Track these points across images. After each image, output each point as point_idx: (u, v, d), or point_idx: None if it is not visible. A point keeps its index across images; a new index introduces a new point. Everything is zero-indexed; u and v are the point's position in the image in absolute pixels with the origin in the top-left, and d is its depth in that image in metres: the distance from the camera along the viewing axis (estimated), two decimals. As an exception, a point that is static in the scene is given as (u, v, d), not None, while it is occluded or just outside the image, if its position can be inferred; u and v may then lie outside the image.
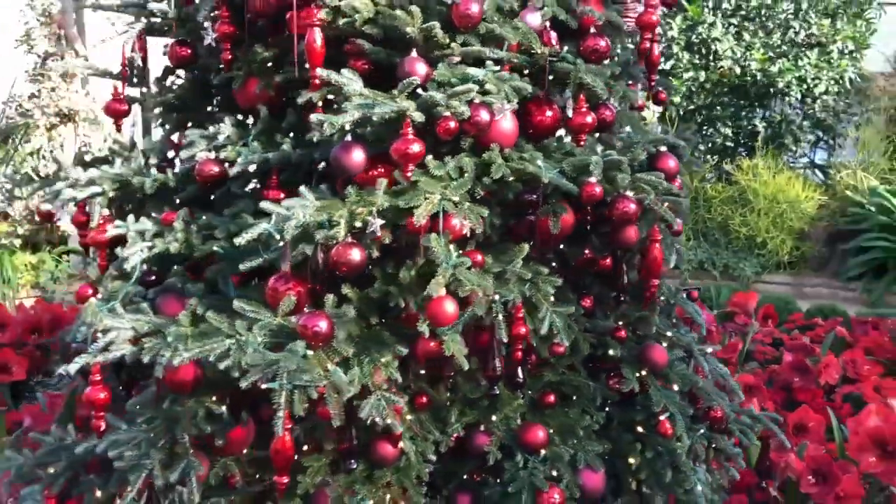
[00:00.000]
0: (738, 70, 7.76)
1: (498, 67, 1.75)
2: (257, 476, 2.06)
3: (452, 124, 1.67)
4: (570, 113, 1.89)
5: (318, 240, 1.60)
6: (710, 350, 2.27)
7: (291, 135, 2.00)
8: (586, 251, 2.13)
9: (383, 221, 1.66)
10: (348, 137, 1.72)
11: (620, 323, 2.22)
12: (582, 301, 2.15)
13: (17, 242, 6.24)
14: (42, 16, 6.17)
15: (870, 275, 7.22)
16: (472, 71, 1.71)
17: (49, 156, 6.06)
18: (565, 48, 1.94)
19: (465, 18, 1.82)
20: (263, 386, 1.48)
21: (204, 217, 1.95)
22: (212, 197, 2.09)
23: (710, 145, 8.17)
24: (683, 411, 2.08)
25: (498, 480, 2.02)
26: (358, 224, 1.66)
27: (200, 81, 2.21)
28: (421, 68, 1.81)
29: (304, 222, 1.60)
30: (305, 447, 2.00)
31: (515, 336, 1.86)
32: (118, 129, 2.12)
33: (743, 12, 7.97)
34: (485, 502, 2.00)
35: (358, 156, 1.70)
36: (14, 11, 6.23)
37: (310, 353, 1.56)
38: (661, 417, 2.08)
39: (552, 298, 1.88)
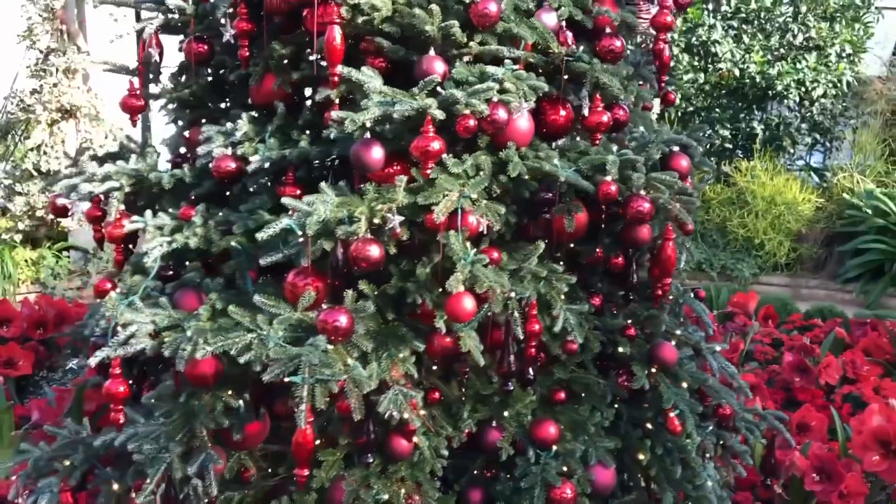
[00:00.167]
0: (737, 72, 7.80)
1: (516, 66, 1.76)
2: (269, 470, 2.08)
3: (472, 122, 1.68)
4: (585, 112, 1.90)
5: (340, 236, 1.61)
6: (718, 348, 2.29)
7: (307, 132, 2.01)
8: (597, 250, 2.15)
9: (403, 218, 1.68)
10: (367, 135, 1.74)
11: (629, 321, 2.24)
12: (591, 299, 2.17)
13: (18, 238, 6.23)
14: (44, 11, 6.16)
15: (866, 277, 7.27)
16: (491, 69, 1.73)
17: (51, 151, 6.04)
18: (580, 48, 1.96)
19: (484, 17, 1.84)
20: (286, 380, 1.49)
21: (220, 213, 1.96)
22: (227, 193, 2.10)
23: (708, 147, 8.21)
24: (693, 408, 2.10)
25: (509, 476, 2.04)
26: (376, 221, 1.68)
27: (215, 78, 2.22)
28: (439, 66, 1.82)
29: (325, 218, 1.62)
30: (318, 441, 2.02)
31: (529, 333, 1.88)
32: (133, 125, 2.12)
33: (742, 15, 8.01)
34: (496, 497, 2.02)
35: (377, 153, 1.72)
36: (16, 6, 6.22)
37: (330, 347, 1.58)
38: (671, 414, 2.10)
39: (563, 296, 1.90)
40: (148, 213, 1.90)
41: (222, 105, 2.27)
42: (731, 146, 8.27)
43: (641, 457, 2.13)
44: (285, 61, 2.06)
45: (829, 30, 8.01)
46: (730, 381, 2.33)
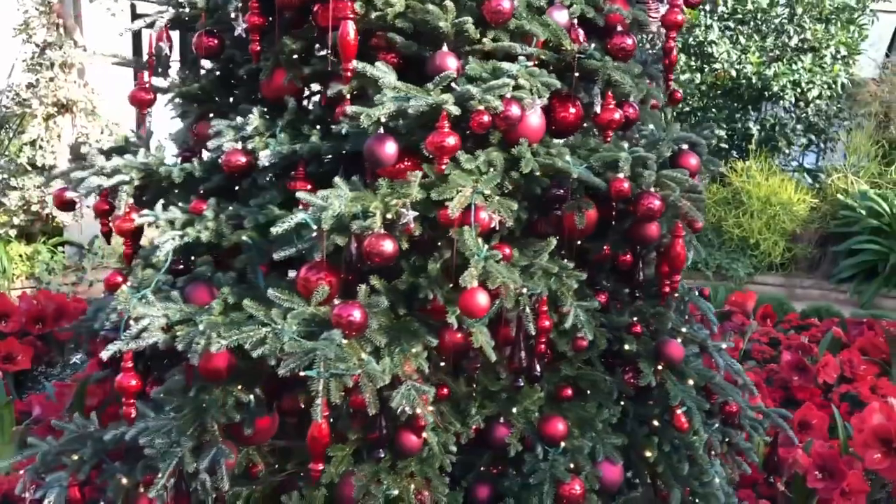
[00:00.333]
0: (733, 73, 7.83)
1: (531, 63, 1.77)
2: (276, 465, 2.08)
3: (486, 118, 1.68)
4: (597, 109, 1.91)
5: (355, 230, 1.61)
6: (724, 346, 2.30)
7: (317, 127, 2.01)
8: (605, 247, 2.16)
9: (417, 213, 1.68)
10: (380, 130, 1.73)
11: (635, 318, 2.25)
12: (596, 296, 2.18)
13: (12, 233, 6.19)
14: (41, 5, 6.12)
15: (860, 277, 7.33)
16: (506, 65, 1.73)
17: (46, 146, 6.00)
18: (592, 46, 1.96)
19: (497, 14, 1.84)
20: (302, 374, 1.49)
21: (230, 207, 1.96)
22: (236, 187, 2.09)
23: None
24: (700, 406, 2.11)
25: (514, 472, 2.04)
26: (390, 216, 1.68)
27: (224, 72, 2.21)
28: (452, 62, 1.83)
29: (340, 213, 1.62)
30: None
31: (540, 329, 1.89)
32: (142, 119, 2.11)
33: (739, 16, 8.04)
34: (505, 493, 2.02)
35: (391, 148, 1.72)
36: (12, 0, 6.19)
37: (344, 342, 1.58)
38: (678, 412, 2.10)
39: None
40: (158, 206, 1.89)
41: (230, 99, 2.27)
42: (726, 146, 8.31)
43: (648, 454, 2.13)
44: (295, 56, 2.06)
45: (824, 31, 8.06)
46: (735, 378, 2.34)
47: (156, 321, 1.63)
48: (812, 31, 8.02)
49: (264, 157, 1.89)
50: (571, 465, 1.98)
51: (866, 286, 7.22)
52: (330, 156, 1.96)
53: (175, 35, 2.24)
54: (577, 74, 1.97)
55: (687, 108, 8.21)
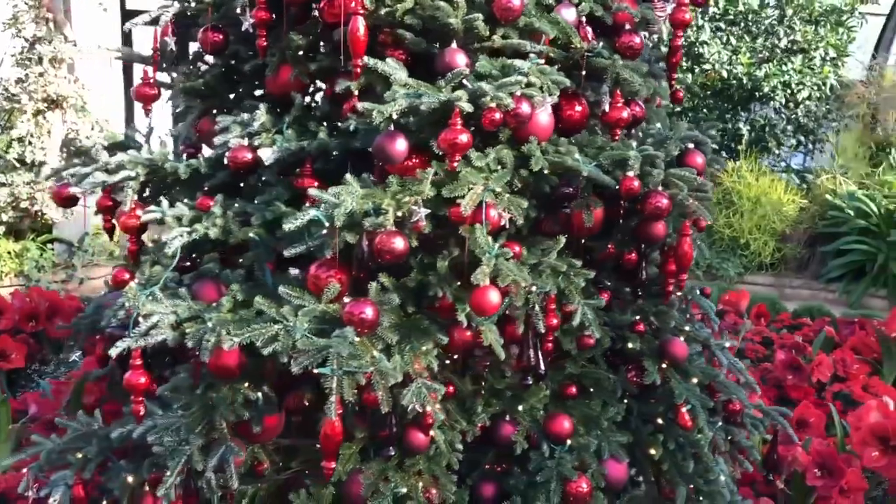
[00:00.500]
0: (724, 74, 7.88)
1: (542, 60, 1.77)
2: (280, 463, 2.07)
3: (498, 116, 1.68)
4: (606, 108, 1.91)
5: (367, 227, 1.61)
6: (727, 345, 2.31)
7: (325, 123, 2.00)
8: (609, 245, 2.16)
9: (429, 211, 1.67)
10: (390, 127, 1.73)
11: (637, 317, 2.26)
12: (599, 294, 2.18)
13: (1, 230, 6.12)
14: (30, -1, 6.07)
15: (849, 277, 7.39)
16: (518, 63, 1.73)
17: (36, 142, 5.94)
18: (600, 44, 1.96)
19: (507, 11, 1.84)
20: (316, 371, 1.48)
21: (237, 204, 1.95)
22: (241, 184, 2.08)
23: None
24: (704, 404, 2.12)
25: (520, 470, 2.04)
26: (401, 213, 1.67)
27: (227, 68, 2.19)
28: (461, 59, 1.82)
29: (351, 210, 1.61)
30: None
31: (547, 327, 1.89)
32: (147, 114, 2.10)
33: (730, 17, 8.09)
34: (511, 491, 2.02)
35: (401, 145, 1.71)
36: (1, -7, 6.13)
37: (356, 339, 1.57)
38: (682, 410, 2.11)
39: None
40: (164, 203, 1.88)
41: (233, 95, 2.25)
42: (717, 146, 8.35)
43: (653, 452, 2.14)
44: (300, 52, 2.05)
45: (813, 33, 8.12)
46: (737, 377, 2.35)
47: (165, 318, 1.61)
48: (802, 33, 8.08)
49: (272, 154, 1.88)
50: (577, 463, 1.98)
51: (855, 286, 7.29)
52: (336, 152, 1.95)
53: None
54: (583, 73, 1.98)
55: (678, 109, 8.24)
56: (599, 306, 1.96)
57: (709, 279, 7.34)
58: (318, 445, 2.04)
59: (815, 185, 8.08)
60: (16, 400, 3.27)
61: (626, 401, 2.23)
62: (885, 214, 7.36)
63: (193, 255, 1.99)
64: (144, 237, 2.09)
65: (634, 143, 1.90)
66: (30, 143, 6.03)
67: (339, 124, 1.98)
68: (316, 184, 1.94)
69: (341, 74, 1.98)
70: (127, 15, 7.34)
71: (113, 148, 2.24)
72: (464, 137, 1.64)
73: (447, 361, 2.01)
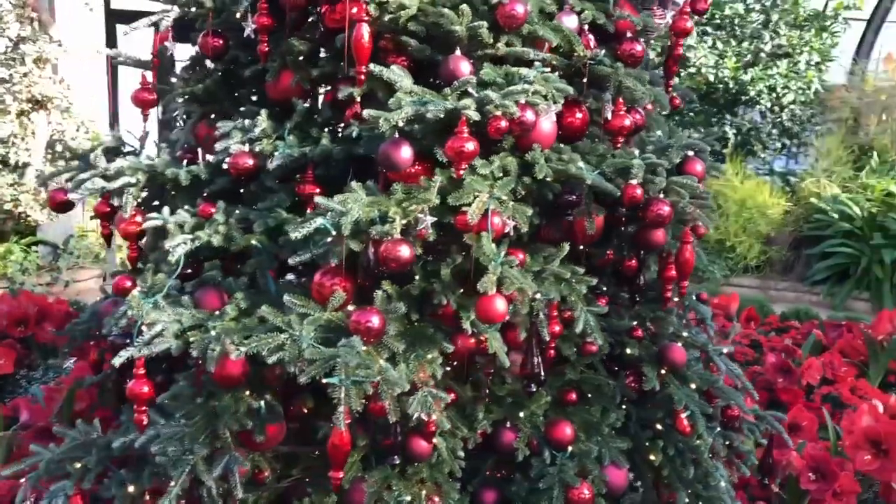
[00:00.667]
0: (711, 77, 7.94)
1: (548, 69, 1.77)
2: (279, 471, 2.05)
3: (504, 124, 1.68)
4: (608, 115, 1.92)
5: (374, 235, 1.60)
6: (725, 350, 2.32)
7: (327, 129, 1.99)
8: (608, 252, 2.17)
9: (435, 219, 1.67)
10: (395, 134, 1.72)
11: (635, 323, 2.27)
12: (597, 300, 2.19)
13: (-16, 232, 6.06)
14: (15, -2, 5.99)
15: (833, 279, 7.47)
16: (524, 71, 1.73)
17: (20, 143, 5.87)
18: (602, 52, 1.97)
19: (511, 19, 1.84)
20: (324, 381, 1.47)
21: (238, 210, 1.93)
22: (241, 190, 2.07)
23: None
24: (703, 410, 2.13)
25: (521, 476, 2.04)
26: (405, 221, 1.67)
27: (226, 73, 2.18)
28: (465, 67, 1.82)
29: (357, 218, 1.60)
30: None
31: (550, 334, 1.89)
32: (145, 120, 2.08)
33: (717, 21, 8.16)
34: (512, 498, 2.02)
35: (406, 152, 1.70)
36: (-16, -7, 6.04)
37: (363, 348, 1.56)
38: (682, 416, 2.12)
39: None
40: (166, 209, 1.86)
41: (232, 101, 2.24)
42: (703, 150, 8.40)
43: (653, 457, 2.15)
44: (300, 58, 2.04)
45: (798, 38, 8.21)
46: (735, 382, 2.36)
47: (170, 327, 1.60)
48: (787, 38, 8.16)
49: (275, 160, 1.87)
50: (579, 470, 1.99)
51: (839, 288, 7.37)
52: (339, 159, 1.94)
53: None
54: (585, 80, 1.98)
55: (665, 112, 8.29)
56: (601, 313, 1.96)
57: (695, 282, 7.37)
58: (317, 453, 2.06)
59: (800, 189, 8.16)
60: (5, 406, 3.22)
61: (624, 406, 2.24)
62: (868, 218, 7.45)
63: (209, 262, 1.97)
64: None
65: (637, 151, 1.91)
66: (13, 144, 5.95)
67: (341, 130, 1.98)
68: (318, 190, 1.93)
69: (342, 80, 1.97)
70: (112, 15, 7.28)
71: (107, 153, 2.22)
72: (470, 146, 1.64)
73: (447, 368, 2.01)
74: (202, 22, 2.16)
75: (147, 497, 1.83)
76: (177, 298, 1.73)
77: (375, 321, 1.60)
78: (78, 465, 1.82)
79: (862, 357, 4.42)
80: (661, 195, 1.92)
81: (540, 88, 1.73)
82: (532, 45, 1.93)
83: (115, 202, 2.05)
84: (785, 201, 7.95)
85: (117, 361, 1.58)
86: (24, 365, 3.63)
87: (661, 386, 2.15)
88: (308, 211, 1.93)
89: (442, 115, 1.67)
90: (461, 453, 1.95)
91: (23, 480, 1.83)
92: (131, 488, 1.78)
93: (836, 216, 7.60)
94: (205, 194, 2.05)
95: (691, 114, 8.38)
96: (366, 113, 1.69)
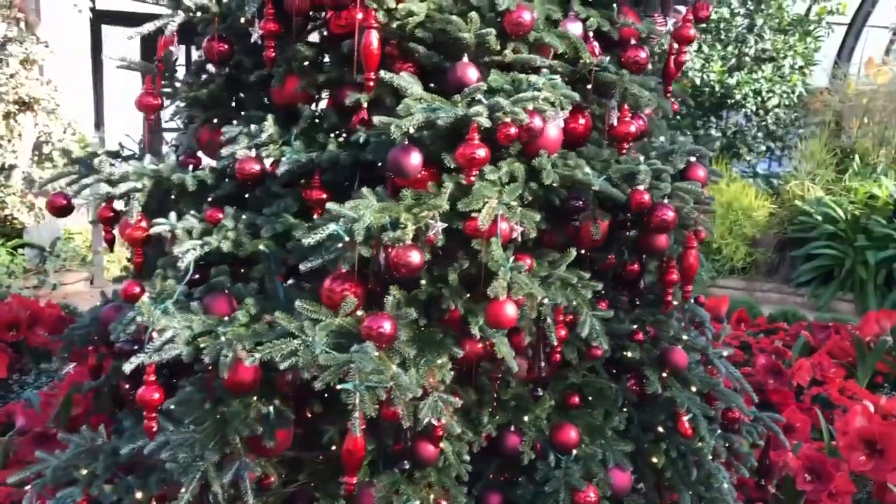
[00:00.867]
0: (697, 81, 8.01)
1: (557, 76, 1.79)
2: (284, 476, 2.05)
3: (513, 130, 1.69)
4: (614, 122, 1.94)
5: (386, 241, 1.61)
6: (725, 353, 2.35)
7: (332, 135, 2.00)
8: (610, 256, 2.19)
9: (445, 225, 1.68)
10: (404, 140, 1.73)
11: (635, 326, 2.29)
12: (598, 304, 2.21)
13: (-31, 235, 5.99)
14: (0, -1, 5.93)
15: (817, 281, 7.56)
16: (533, 78, 1.74)
17: (7, 145, 5.80)
18: (606, 58, 1.99)
19: (518, 26, 1.85)
20: (339, 387, 1.48)
21: (244, 216, 1.93)
22: (246, 195, 2.06)
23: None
24: (705, 412, 2.16)
25: (526, 480, 2.06)
26: (414, 227, 1.68)
27: (230, 78, 2.18)
28: (473, 73, 1.83)
29: (369, 224, 1.61)
30: (333, 447, 2.01)
31: (557, 339, 1.91)
32: (149, 124, 2.07)
33: (702, 24, 8.23)
34: (517, 501, 2.03)
35: (416, 158, 1.71)
36: (-30, -7, 5.97)
37: (375, 353, 1.57)
38: (683, 418, 2.14)
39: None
40: (172, 215, 1.86)
41: (237, 105, 2.23)
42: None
43: (655, 460, 2.17)
44: (305, 63, 2.05)
45: (783, 42, 8.30)
46: (734, 384, 2.39)
47: (181, 333, 1.59)
48: (772, 42, 8.26)
49: (281, 166, 1.87)
50: (584, 473, 2.00)
51: (823, 289, 7.46)
52: (347, 165, 1.94)
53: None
54: (589, 87, 2.00)
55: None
56: (607, 317, 1.98)
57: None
58: (321, 458, 2.07)
59: (784, 191, 8.25)
60: (-2, 411, 3.19)
61: (625, 409, 2.26)
62: (852, 220, 7.55)
63: (216, 267, 1.97)
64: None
65: (642, 157, 1.93)
66: (0, 146, 5.89)
67: (347, 136, 1.98)
68: (325, 196, 1.94)
69: (349, 86, 1.98)
70: (98, 16, 7.23)
71: (108, 157, 2.20)
72: (481, 152, 1.65)
73: (452, 372, 2.02)
74: (205, 26, 2.16)
75: (154, 503, 1.82)
76: (185, 304, 1.73)
77: (387, 326, 1.60)
78: (84, 472, 1.80)
79: (850, 358, 4.47)
80: (665, 200, 1.95)
81: (548, 95, 1.75)
82: (537, 51, 1.95)
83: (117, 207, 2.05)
84: (770, 204, 8.03)
85: (128, 368, 1.58)
86: (16, 369, 3.59)
87: (663, 389, 2.17)
88: (315, 216, 1.94)
89: (451, 122, 1.68)
90: (467, 457, 1.96)
91: (27, 487, 1.82)
92: (139, 494, 1.77)
93: (820, 218, 7.69)
94: (209, 199, 2.05)
95: (678, 117, 8.45)
96: (377, 119, 1.69)
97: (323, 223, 1.63)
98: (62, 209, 2.20)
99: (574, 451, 2.03)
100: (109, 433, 2.06)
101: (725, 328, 4.55)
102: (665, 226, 1.93)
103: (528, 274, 1.80)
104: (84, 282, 6.44)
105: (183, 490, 1.62)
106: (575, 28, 1.99)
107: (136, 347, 1.80)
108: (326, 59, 2.07)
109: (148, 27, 1.95)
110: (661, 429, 2.23)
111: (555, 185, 1.85)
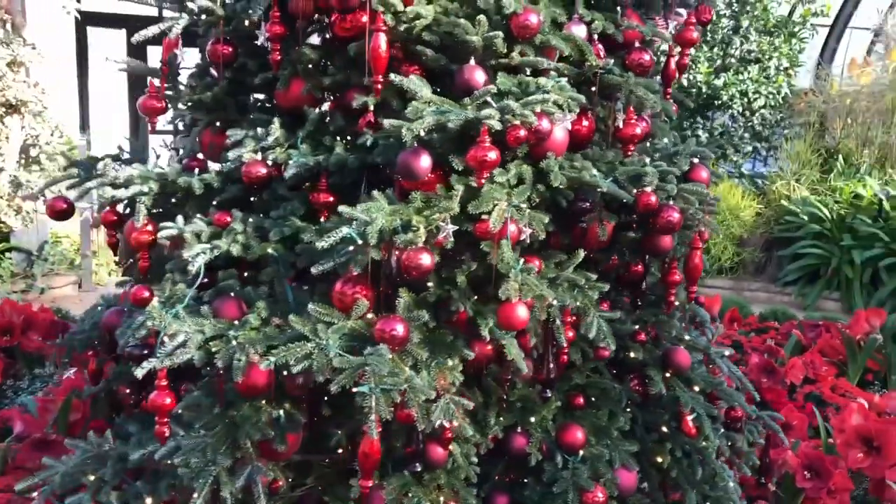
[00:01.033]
0: (684, 82, 8.07)
1: (565, 78, 1.79)
2: (290, 480, 2.05)
3: (522, 133, 1.70)
4: (620, 124, 1.95)
5: (399, 244, 1.61)
6: (727, 353, 2.37)
7: (339, 138, 1.99)
8: (613, 257, 2.21)
9: (456, 227, 1.68)
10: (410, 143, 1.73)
11: (637, 327, 2.30)
12: (600, 305, 2.22)
13: (-45, 239, 5.91)
14: (-14, 1, 5.86)
15: (804, 280, 7.63)
16: (543, 80, 1.75)
17: (-6, 148, 5.74)
18: (611, 61, 2.00)
19: (525, 29, 1.86)
20: (354, 390, 1.48)
21: (251, 219, 1.93)
22: (252, 198, 2.06)
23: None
24: (709, 412, 2.18)
25: (533, 481, 2.06)
26: (424, 229, 1.68)
27: (235, 81, 2.17)
28: (480, 76, 1.84)
29: (381, 227, 1.61)
30: (340, 450, 2.01)
31: (566, 340, 1.92)
32: (152, 127, 2.06)
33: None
34: (525, 502, 2.04)
35: (426, 161, 1.72)
36: (-45, -5, 5.90)
37: (389, 356, 1.57)
38: (687, 418, 2.16)
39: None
40: (179, 218, 1.85)
41: (237, 109, 2.23)
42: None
43: (659, 459, 2.19)
44: (310, 65, 2.04)
45: (768, 44, 8.38)
46: (735, 384, 2.41)
47: (194, 337, 1.59)
48: (758, 43, 8.33)
49: (289, 169, 1.86)
50: (591, 473, 2.01)
51: (810, 288, 7.53)
52: (354, 168, 1.94)
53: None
54: (594, 89, 2.02)
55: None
56: (613, 318, 1.99)
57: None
58: (328, 460, 2.07)
59: (771, 191, 8.32)
60: (-7, 417, 3.16)
61: (628, 410, 2.28)
62: (838, 219, 7.63)
63: (225, 271, 1.96)
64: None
65: (648, 159, 1.95)
66: (-13, 149, 5.83)
67: (352, 138, 1.98)
68: (331, 199, 1.94)
69: (355, 89, 1.98)
70: (83, 17, 7.16)
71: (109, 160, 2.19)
72: (493, 155, 1.66)
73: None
74: (206, 29, 2.16)
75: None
76: (195, 308, 1.72)
77: (400, 329, 1.61)
78: (92, 478, 1.79)
79: (840, 356, 4.52)
80: (670, 201, 1.97)
81: (557, 98, 1.76)
82: (543, 54, 1.96)
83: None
84: (756, 204, 8.10)
85: (140, 372, 1.57)
86: (9, 375, 3.56)
87: (666, 389, 2.19)
88: (322, 219, 1.94)
89: (460, 125, 1.69)
90: (474, 459, 1.96)
91: (35, 494, 1.80)
92: (149, 501, 1.76)
93: (806, 218, 7.76)
94: (214, 203, 2.05)
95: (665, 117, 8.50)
96: (387, 122, 1.69)
97: (335, 226, 1.63)
98: (63, 213, 2.19)
99: (581, 452, 2.04)
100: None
101: (719, 327, 4.59)
102: (671, 227, 1.95)
103: (537, 276, 1.81)
104: (72, 285, 6.38)
105: (195, 495, 1.62)
106: (579, 31, 2.01)
107: (145, 352, 1.79)
108: (329, 61, 2.07)
109: (152, 30, 1.94)
110: (664, 429, 2.25)
111: (562, 186, 1.86)
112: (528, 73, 1.93)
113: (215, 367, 1.69)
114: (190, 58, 2.24)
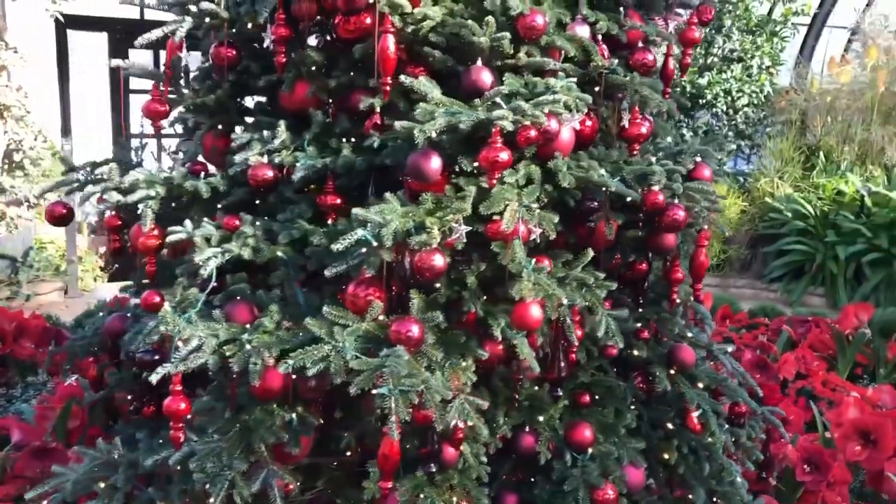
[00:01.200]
0: (669, 81, 8.13)
1: (574, 79, 1.80)
2: (300, 483, 2.04)
3: (533, 133, 1.71)
4: (625, 124, 1.96)
5: (413, 246, 1.61)
6: (730, 349, 2.39)
7: (344, 140, 1.99)
8: (616, 256, 2.22)
9: (469, 228, 1.69)
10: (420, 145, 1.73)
11: (639, 325, 2.32)
12: (603, 304, 2.23)
13: (-62, 246, 5.82)
14: (-32, 5, 5.78)
15: (789, 276, 7.72)
16: (552, 81, 1.76)
17: (-22, 153, 5.66)
18: (616, 61, 2.02)
19: (531, 30, 1.87)
20: (374, 392, 1.48)
21: (258, 222, 1.92)
22: (257, 202, 2.05)
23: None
24: (714, 408, 2.20)
25: (543, 479, 2.07)
26: (438, 231, 1.68)
27: (238, 84, 2.16)
28: (487, 77, 1.84)
29: (396, 229, 1.61)
30: (348, 452, 2.01)
31: (576, 339, 1.93)
32: (156, 131, 2.04)
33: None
34: (535, 501, 2.05)
35: (436, 163, 1.72)
36: (-65, -1, 5.82)
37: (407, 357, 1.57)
38: (693, 414, 2.18)
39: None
40: (187, 222, 1.84)
41: (240, 112, 2.22)
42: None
43: (666, 456, 2.20)
44: (314, 67, 2.04)
45: (750, 43, 8.46)
46: (738, 380, 2.44)
47: (209, 341, 1.58)
48: (740, 42, 8.42)
49: (297, 171, 1.86)
50: (601, 471, 2.02)
51: (795, 285, 7.62)
52: (362, 170, 1.94)
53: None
54: (599, 89, 2.03)
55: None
56: (622, 317, 2.01)
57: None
58: (336, 462, 2.06)
59: (755, 189, 8.41)
60: (-12, 426, 3.11)
61: (633, 407, 2.29)
62: (821, 216, 7.72)
63: (235, 275, 1.95)
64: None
65: (654, 158, 1.96)
66: (-30, 154, 5.75)
67: (358, 141, 1.97)
68: (339, 201, 1.93)
69: (360, 90, 1.98)
70: (67, 21, 7.09)
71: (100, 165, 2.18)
72: (504, 155, 1.66)
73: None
74: (207, 32, 2.14)
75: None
76: (207, 313, 1.71)
77: (415, 330, 1.61)
78: (104, 485, 1.78)
79: (830, 351, 4.58)
80: (676, 200, 1.98)
81: (566, 98, 1.77)
82: (548, 54, 1.97)
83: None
84: (741, 201, 8.18)
85: (154, 378, 1.56)
86: (1, 383, 3.51)
87: (671, 386, 2.20)
88: (329, 221, 1.94)
89: (471, 126, 1.69)
90: (484, 458, 1.97)
91: (44, 503, 1.78)
92: (162, 507, 1.75)
93: (790, 215, 7.85)
94: (219, 206, 2.03)
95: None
96: (398, 124, 1.69)
97: (347, 228, 1.63)
98: (62, 218, 2.17)
99: (590, 450, 2.06)
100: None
101: (711, 325, 4.63)
102: (676, 225, 1.97)
103: (547, 275, 1.81)
104: (58, 292, 6.31)
105: (211, 500, 1.61)
106: (583, 31, 2.02)
107: (156, 357, 1.78)
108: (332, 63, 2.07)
109: (156, 33, 1.93)
110: (670, 425, 2.27)
111: (570, 186, 1.87)
112: (535, 73, 1.93)
113: (225, 372, 1.69)
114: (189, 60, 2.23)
